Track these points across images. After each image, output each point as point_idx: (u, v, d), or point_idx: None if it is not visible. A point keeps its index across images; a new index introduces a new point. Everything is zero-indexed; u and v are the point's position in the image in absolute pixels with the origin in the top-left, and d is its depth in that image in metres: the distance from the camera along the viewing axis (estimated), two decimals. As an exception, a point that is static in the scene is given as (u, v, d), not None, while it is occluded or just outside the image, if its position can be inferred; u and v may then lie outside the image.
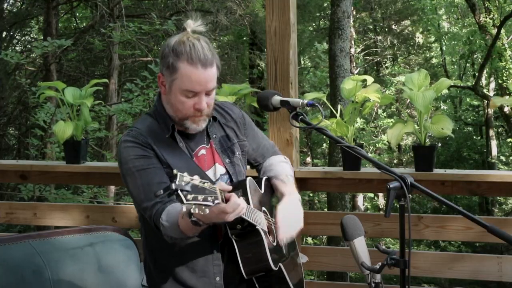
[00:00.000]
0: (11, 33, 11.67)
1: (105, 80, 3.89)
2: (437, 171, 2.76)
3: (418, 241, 13.72)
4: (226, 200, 1.60)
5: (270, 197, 2.07)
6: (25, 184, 6.47)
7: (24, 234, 2.14)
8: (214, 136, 2.03)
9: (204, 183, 1.51)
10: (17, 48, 12.12)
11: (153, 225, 1.86)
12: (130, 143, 1.90)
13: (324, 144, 14.53)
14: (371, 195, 16.80)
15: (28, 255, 2.04)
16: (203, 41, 1.87)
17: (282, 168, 2.14)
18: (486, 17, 13.18)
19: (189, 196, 1.45)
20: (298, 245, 2.28)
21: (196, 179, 1.49)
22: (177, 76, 1.85)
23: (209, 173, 1.98)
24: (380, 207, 16.56)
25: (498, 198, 15.83)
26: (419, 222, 2.76)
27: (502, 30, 12.89)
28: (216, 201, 1.52)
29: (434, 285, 12.61)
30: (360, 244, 1.70)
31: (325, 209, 11.77)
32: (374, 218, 2.86)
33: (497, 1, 13.79)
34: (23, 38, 12.81)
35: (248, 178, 1.92)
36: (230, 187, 1.67)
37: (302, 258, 2.20)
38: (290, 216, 1.95)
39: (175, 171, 1.47)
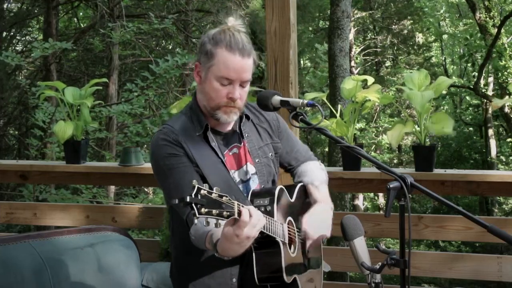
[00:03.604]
0: (12, 33, 11.67)
1: (105, 79, 3.88)
2: (437, 171, 2.76)
3: (418, 241, 13.72)
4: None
5: (301, 205, 2.05)
6: (26, 186, 6.47)
7: (24, 234, 2.14)
8: (247, 135, 2.03)
9: (222, 196, 1.49)
10: (17, 48, 12.13)
11: (185, 223, 1.87)
12: (161, 140, 1.90)
13: (327, 148, 14.54)
14: (371, 195, 16.81)
15: (28, 255, 2.04)
16: (243, 34, 1.90)
17: (317, 175, 2.13)
18: (486, 17, 13.18)
19: (203, 210, 1.44)
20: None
21: (215, 193, 1.48)
22: (213, 62, 1.86)
23: (240, 172, 1.98)
24: (380, 207, 16.57)
25: (498, 198, 15.83)
26: (419, 222, 2.76)
27: (502, 30, 12.89)
28: (231, 217, 1.50)
29: (434, 285, 12.61)
30: (360, 244, 1.69)
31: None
32: (374, 218, 2.86)
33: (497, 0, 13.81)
34: (23, 38, 12.81)
35: (279, 187, 1.90)
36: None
37: (325, 267, 2.16)
38: (317, 221, 1.94)
39: (194, 182, 1.47)
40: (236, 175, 1.97)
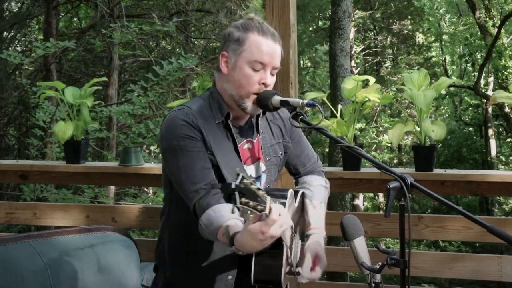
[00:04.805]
0: (12, 33, 11.67)
1: (105, 79, 3.87)
2: (437, 171, 2.76)
3: (418, 241, 13.74)
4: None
5: (298, 213, 2.02)
6: (27, 185, 6.48)
7: (24, 234, 2.13)
8: (261, 131, 1.99)
9: (259, 189, 1.45)
10: (17, 48, 12.13)
11: (191, 210, 1.81)
12: (180, 120, 1.82)
13: (327, 148, 14.56)
14: (371, 195, 16.82)
15: (28, 255, 2.04)
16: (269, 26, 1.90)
17: (319, 193, 2.09)
18: (486, 17, 13.19)
19: (243, 200, 1.41)
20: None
21: (254, 184, 1.44)
22: (245, 47, 1.83)
23: (251, 168, 1.94)
24: (380, 207, 16.57)
25: (498, 198, 15.84)
26: (419, 222, 2.75)
27: (502, 30, 12.90)
28: (263, 212, 1.45)
29: (434, 285, 12.62)
30: (360, 244, 1.69)
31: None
32: (374, 218, 2.85)
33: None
34: (23, 38, 12.82)
35: (290, 190, 1.87)
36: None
37: (302, 278, 2.16)
38: (320, 258, 1.92)
39: (237, 169, 1.44)
40: (248, 170, 1.93)
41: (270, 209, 1.48)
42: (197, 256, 1.92)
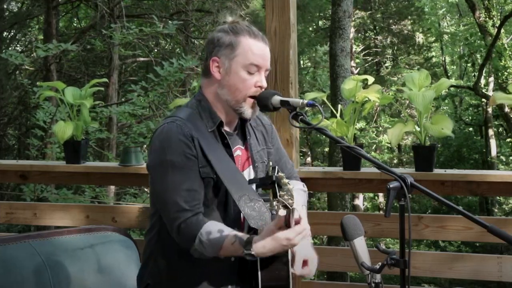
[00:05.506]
0: (12, 33, 11.68)
1: (105, 79, 3.88)
2: (437, 171, 2.76)
3: (418, 241, 13.72)
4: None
5: None
6: (27, 185, 6.48)
7: (24, 234, 2.13)
8: (249, 137, 1.97)
9: (288, 183, 1.45)
10: (17, 48, 12.14)
11: (175, 229, 1.77)
12: (177, 134, 1.77)
13: (327, 148, 14.56)
14: (371, 195, 16.81)
15: (28, 255, 2.04)
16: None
17: (300, 197, 2.04)
18: (486, 17, 13.19)
19: (281, 193, 1.41)
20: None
21: (285, 179, 1.44)
22: (239, 51, 1.83)
23: (244, 174, 1.92)
24: (380, 207, 16.57)
25: (498, 198, 15.84)
26: (419, 222, 2.75)
27: (502, 30, 12.90)
28: (292, 206, 1.45)
29: (434, 285, 12.62)
30: (360, 244, 1.69)
31: (325, 209, 11.79)
32: (374, 218, 2.85)
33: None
34: (23, 38, 12.82)
35: None
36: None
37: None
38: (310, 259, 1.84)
39: (271, 163, 1.45)
40: None
41: (300, 218, 1.52)
42: (198, 266, 1.88)
